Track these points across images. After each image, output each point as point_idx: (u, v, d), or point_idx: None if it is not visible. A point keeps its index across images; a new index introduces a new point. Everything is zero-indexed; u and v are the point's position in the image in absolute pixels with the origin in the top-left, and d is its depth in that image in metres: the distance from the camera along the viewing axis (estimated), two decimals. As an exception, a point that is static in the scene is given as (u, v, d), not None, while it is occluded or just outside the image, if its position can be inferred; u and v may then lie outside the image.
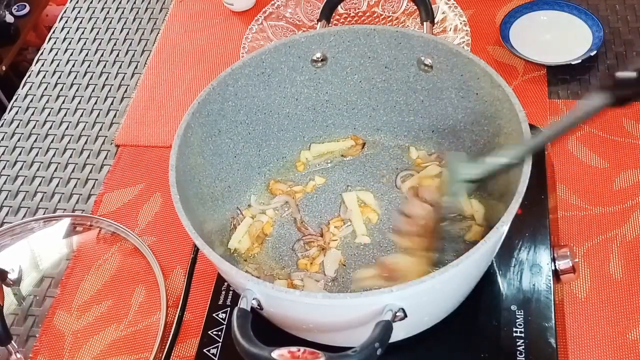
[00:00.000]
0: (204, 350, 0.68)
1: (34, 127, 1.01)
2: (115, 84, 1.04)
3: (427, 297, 0.57)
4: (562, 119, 0.60)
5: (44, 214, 0.89)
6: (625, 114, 0.86)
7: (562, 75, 0.92)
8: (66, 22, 1.16)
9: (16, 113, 1.03)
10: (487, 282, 0.68)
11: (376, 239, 0.73)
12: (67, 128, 1.00)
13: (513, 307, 0.66)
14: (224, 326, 0.69)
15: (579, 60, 0.90)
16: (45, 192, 0.92)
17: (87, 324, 0.77)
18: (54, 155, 0.96)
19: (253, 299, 0.55)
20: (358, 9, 1.02)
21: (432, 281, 0.52)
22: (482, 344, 0.65)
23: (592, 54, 0.91)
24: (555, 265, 0.68)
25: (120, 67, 1.07)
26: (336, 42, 0.74)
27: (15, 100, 1.05)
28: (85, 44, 1.11)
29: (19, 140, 1.00)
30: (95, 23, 1.15)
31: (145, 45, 1.09)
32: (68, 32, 1.14)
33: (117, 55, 1.08)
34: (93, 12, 1.17)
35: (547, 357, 0.63)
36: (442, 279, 0.52)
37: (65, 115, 1.01)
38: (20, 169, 0.96)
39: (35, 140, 0.99)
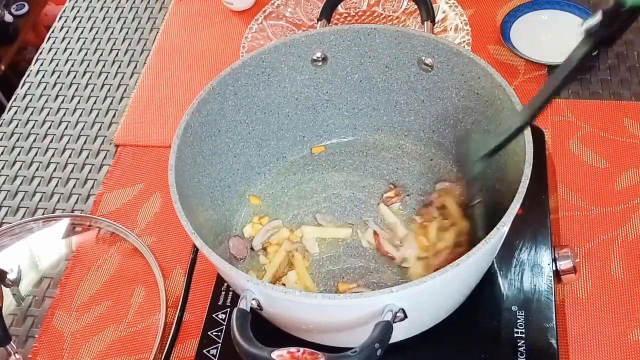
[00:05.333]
0: (204, 350, 0.68)
1: (33, 127, 1.01)
2: (115, 84, 1.04)
3: (427, 298, 0.57)
4: (555, 74, 0.61)
5: (43, 214, 0.89)
6: (626, 113, 0.86)
7: (562, 74, 0.91)
8: (65, 21, 1.16)
9: (15, 113, 1.03)
10: (487, 282, 0.68)
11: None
12: (66, 128, 0.99)
13: (514, 308, 0.66)
14: (224, 327, 0.69)
15: (580, 60, 0.90)
16: (45, 192, 0.92)
17: (87, 324, 0.77)
18: (53, 155, 0.96)
19: (252, 299, 0.55)
20: (358, 8, 1.02)
21: (432, 281, 0.52)
22: (482, 344, 0.65)
23: (593, 53, 0.90)
24: (556, 266, 0.68)
25: (119, 66, 1.06)
26: (336, 42, 0.74)
27: (14, 100, 1.05)
28: (84, 43, 1.11)
29: (17, 140, 0.99)
30: (94, 22, 1.15)
31: (145, 45, 1.09)
32: (67, 32, 1.14)
33: (117, 55, 1.08)
34: (92, 12, 1.17)
35: (548, 357, 0.63)
36: (442, 279, 0.52)
37: (64, 115, 1.01)
38: (20, 169, 0.95)
39: (34, 140, 0.99)
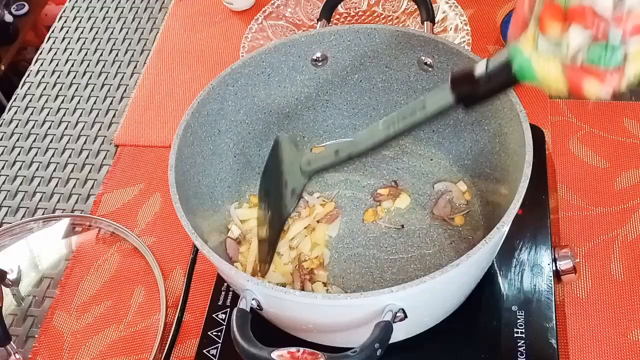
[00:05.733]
0: (204, 350, 0.68)
1: (32, 127, 1.01)
2: (115, 84, 1.04)
3: (428, 298, 0.57)
4: (405, 111, 0.60)
5: (43, 214, 0.89)
6: (626, 113, 0.86)
7: (562, 74, 0.91)
8: (65, 21, 1.16)
9: (15, 113, 1.03)
10: (487, 282, 0.68)
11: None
12: (66, 128, 0.99)
13: (514, 308, 0.66)
14: (224, 327, 0.69)
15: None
16: (45, 192, 0.92)
17: (87, 324, 0.77)
18: (53, 155, 0.96)
19: (252, 299, 0.55)
20: (358, 8, 1.02)
21: (433, 281, 0.52)
22: (482, 344, 0.65)
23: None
24: (556, 266, 0.68)
25: (119, 66, 1.06)
26: (336, 42, 0.74)
27: (14, 100, 1.05)
28: (84, 43, 1.11)
29: (17, 140, 0.99)
30: (94, 22, 1.15)
31: (145, 45, 1.09)
32: (67, 32, 1.14)
33: (117, 55, 1.08)
34: (92, 12, 1.17)
35: (548, 357, 0.63)
36: (442, 279, 0.52)
37: (64, 115, 1.01)
38: (20, 169, 0.96)
39: (34, 140, 0.99)
